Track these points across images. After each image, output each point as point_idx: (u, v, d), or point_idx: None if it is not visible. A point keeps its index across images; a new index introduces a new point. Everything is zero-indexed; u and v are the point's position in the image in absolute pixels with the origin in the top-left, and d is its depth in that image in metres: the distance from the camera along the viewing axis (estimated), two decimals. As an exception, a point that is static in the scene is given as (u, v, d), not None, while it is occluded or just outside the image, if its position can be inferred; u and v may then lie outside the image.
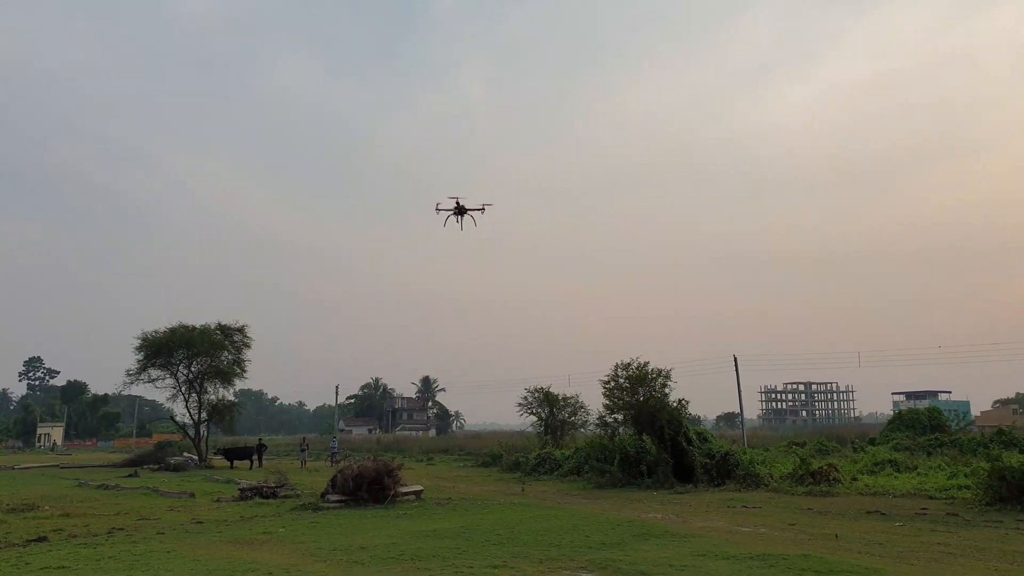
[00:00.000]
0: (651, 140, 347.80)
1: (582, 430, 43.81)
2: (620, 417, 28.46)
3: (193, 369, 47.24)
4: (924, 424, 40.15)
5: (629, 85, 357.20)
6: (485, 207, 29.40)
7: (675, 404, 27.28)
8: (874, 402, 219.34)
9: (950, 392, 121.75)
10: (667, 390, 27.57)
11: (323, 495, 20.15)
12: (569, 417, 44.36)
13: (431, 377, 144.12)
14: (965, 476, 21.85)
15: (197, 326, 47.40)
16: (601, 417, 29.36)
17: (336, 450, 48.19)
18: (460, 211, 29.14)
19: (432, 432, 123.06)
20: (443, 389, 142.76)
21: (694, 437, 27.37)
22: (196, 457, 43.93)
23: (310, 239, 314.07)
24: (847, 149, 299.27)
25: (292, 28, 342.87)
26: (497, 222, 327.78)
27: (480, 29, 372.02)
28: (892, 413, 68.11)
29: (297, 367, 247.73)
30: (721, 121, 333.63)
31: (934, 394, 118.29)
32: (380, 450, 55.51)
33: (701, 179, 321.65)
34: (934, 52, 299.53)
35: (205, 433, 47.73)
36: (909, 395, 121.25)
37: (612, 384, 28.41)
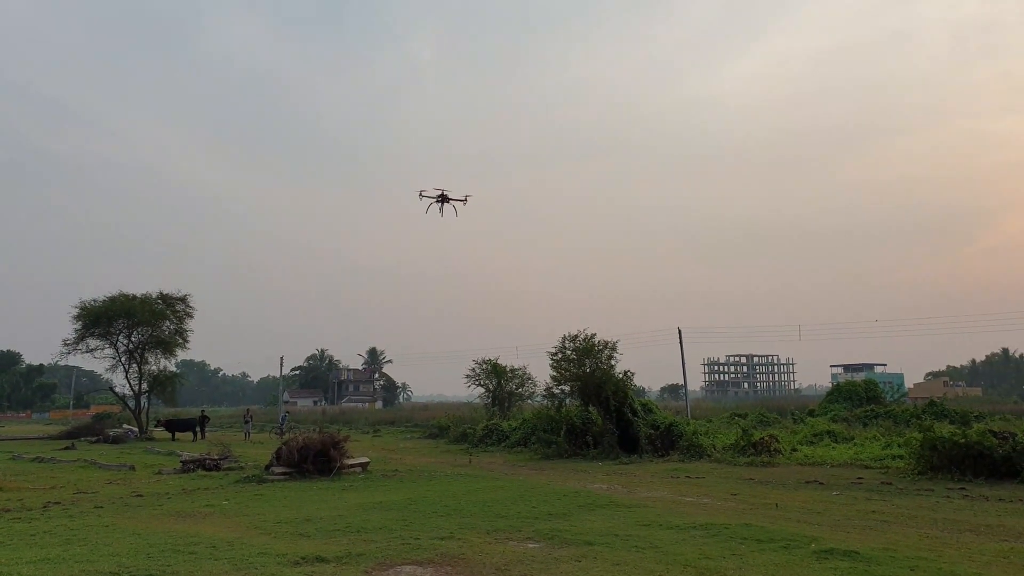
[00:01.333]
0: (603, 109, 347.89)
1: (529, 401, 44.10)
2: (567, 388, 28.65)
3: (133, 339, 45.95)
4: (861, 396, 41.43)
5: (581, 53, 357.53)
6: (467, 198, 29.88)
7: (621, 376, 27.57)
8: (814, 374, 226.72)
9: (885, 365, 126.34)
10: (613, 362, 27.84)
11: (267, 467, 19.82)
12: (516, 389, 44.60)
13: (378, 348, 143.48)
14: (899, 446, 22.61)
15: (138, 295, 46.08)
16: (548, 388, 29.52)
17: (285, 423, 47.63)
18: (443, 200, 29.44)
19: (379, 404, 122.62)
20: (390, 360, 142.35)
21: (639, 408, 27.75)
22: (136, 429, 42.86)
23: (255, 205, 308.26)
24: (791, 124, 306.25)
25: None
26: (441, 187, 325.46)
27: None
28: (831, 385, 70.08)
29: (241, 338, 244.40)
30: (671, 91, 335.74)
31: (870, 367, 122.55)
32: (325, 422, 55.05)
33: (650, 149, 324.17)
34: (875, 29, 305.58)
35: (146, 405, 46.60)
36: (847, 368, 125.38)
37: (560, 356, 28.55)
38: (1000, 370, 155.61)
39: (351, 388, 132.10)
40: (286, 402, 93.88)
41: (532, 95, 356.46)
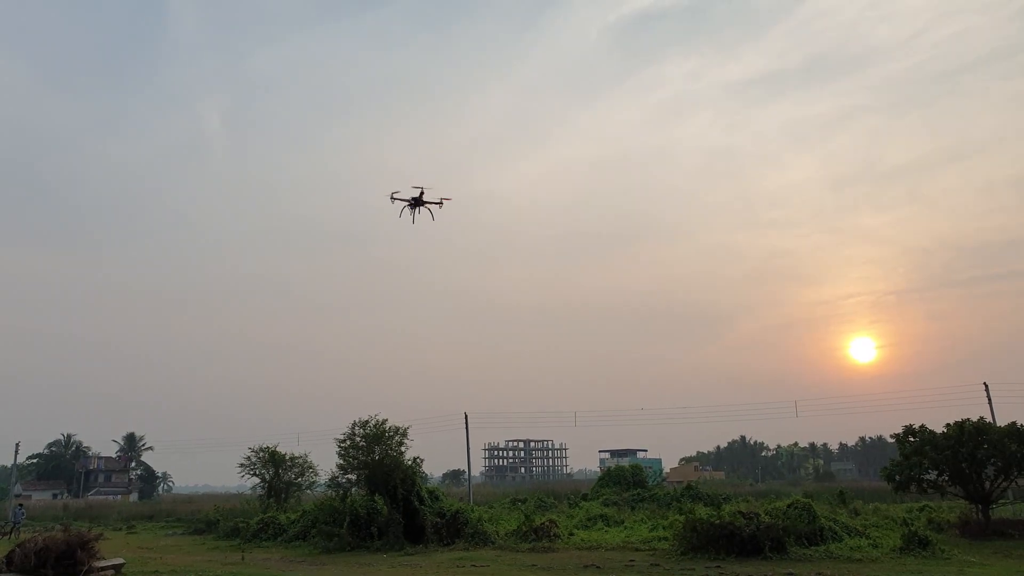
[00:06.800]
0: (390, 192, 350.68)
1: (309, 492, 42.11)
2: (354, 477, 27.87)
3: None
4: (628, 480, 44.21)
5: (374, 138, 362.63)
6: (444, 201, 27.25)
7: (410, 462, 27.39)
8: (584, 459, 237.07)
9: (646, 450, 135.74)
10: (403, 448, 27.63)
11: (-6, 576, 17.17)
12: (296, 478, 42.44)
13: (137, 434, 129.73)
14: (664, 528, 24.46)
15: None
16: (334, 477, 28.48)
17: (19, 520, 41.22)
18: (417, 203, 26.82)
19: (134, 496, 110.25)
20: (150, 448, 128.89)
21: (426, 496, 27.60)
22: None
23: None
24: (571, 222, 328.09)
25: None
26: (216, 264, 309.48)
27: (225, 62, 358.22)
28: (600, 470, 73.85)
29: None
30: (462, 185, 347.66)
31: (633, 452, 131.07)
32: (69, 518, 48.75)
33: (436, 235, 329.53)
34: (642, 145, 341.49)
35: None
36: (613, 453, 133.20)
37: (348, 443, 27.81)
38: (739, 455, 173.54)
39: (101, 479, 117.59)
40: (18, 495, 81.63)
41: (321, 174, 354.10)
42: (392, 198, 27.07)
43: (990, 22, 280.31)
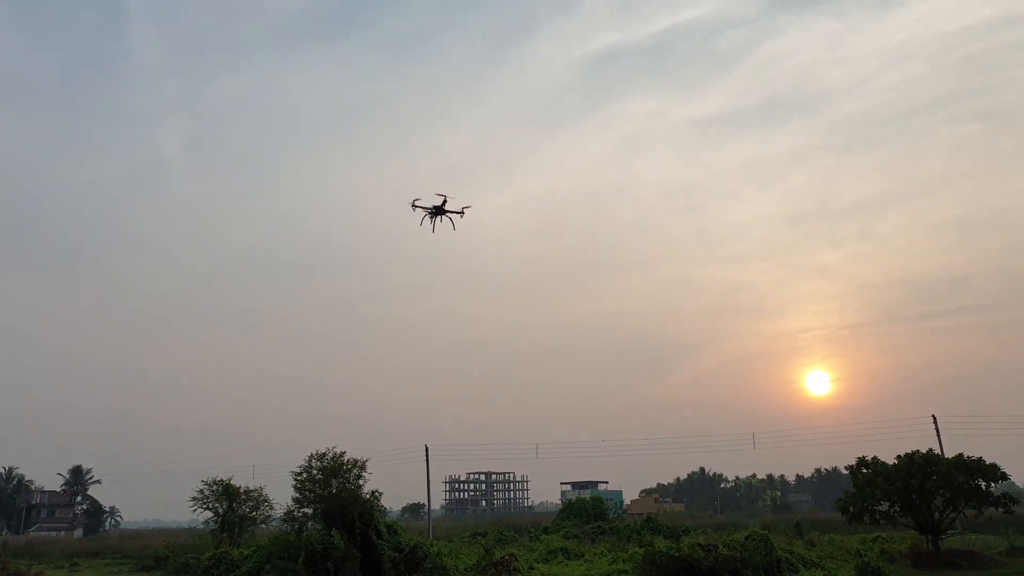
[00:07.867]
0: (353, 221, 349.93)
1: (264, 526, 41.16)
2: (310, 511, 27.37)
3: None
4: (589, 512, 44.15)
5: (333, 165, 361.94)
6: (465, 210, 26.74)
7: (368, 496, 27.03)
8: (545, 491, 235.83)
9: (607, 482, 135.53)
10: (361, 481, 27.27)
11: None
12: (251, 512, 41.45)
13: (84, 467, 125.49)
14: (624, 561, 24.47)
15: None
16: (290, 511, 27.91)
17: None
18: (438, 212, 26.11)
19: (78, 532, 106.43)
20: (98, 481, 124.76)
21: (384, 530, 27.23)
22: None
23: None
24: (529, 254, 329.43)
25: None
26: (170, 292, 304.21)
27: (186, 86, 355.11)
28: (561, 502, 73.65)
29: None
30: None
31: (595, 484, 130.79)
32: (7, 556, 46.99)
33: (400, 266, 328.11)
34: (604, 180, 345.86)
35: None
36: (575, 485, 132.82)
37: (305, 476, 27.35)
38: (698, 486, 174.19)
39: (44, 514, 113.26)
40: (-46, 532, 78.41)
41: (283, 202, 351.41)
42: (413, 206, 26.37)
43: (935, 69, 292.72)
